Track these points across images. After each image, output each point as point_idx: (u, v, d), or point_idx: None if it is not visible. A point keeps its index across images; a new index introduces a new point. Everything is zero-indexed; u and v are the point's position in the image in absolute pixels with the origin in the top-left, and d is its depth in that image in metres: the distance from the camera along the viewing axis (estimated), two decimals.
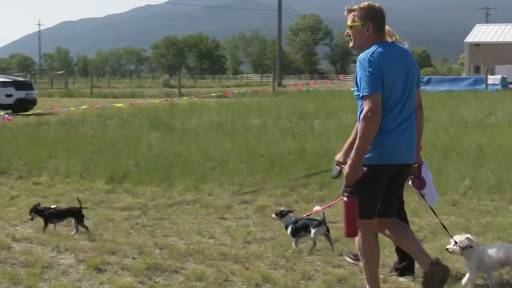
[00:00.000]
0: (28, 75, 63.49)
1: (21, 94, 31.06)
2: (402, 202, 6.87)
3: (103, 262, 7.52)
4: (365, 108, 5.65)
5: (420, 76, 5.75)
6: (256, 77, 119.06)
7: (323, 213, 8.03)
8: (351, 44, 6.06)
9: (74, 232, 8.86)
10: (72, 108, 26.75)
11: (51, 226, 9.04)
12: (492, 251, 6.62)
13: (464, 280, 6.69)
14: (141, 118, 24.10)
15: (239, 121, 22.85)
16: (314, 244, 8.08)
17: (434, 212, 6.89)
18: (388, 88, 5.74)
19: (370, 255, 6.04)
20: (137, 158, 14.68)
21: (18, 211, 10.22)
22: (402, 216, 6.84)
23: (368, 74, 5.66)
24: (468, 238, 6.70)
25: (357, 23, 5.90)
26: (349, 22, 5.95)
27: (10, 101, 30.60)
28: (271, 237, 8.81)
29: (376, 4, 5.92)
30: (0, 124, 21.12)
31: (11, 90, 30.93)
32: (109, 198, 11.19)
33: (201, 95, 36.43)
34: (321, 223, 7.99)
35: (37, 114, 25.90)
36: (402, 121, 5.84)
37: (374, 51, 5.75)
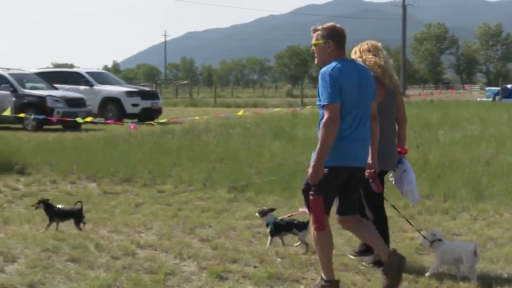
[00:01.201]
0: (154, 84, 64.91)
1: (147, 103, 31.74)
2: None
3: (225, 270, 7.56)
4: (326, 116, 6.42)
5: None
6: None
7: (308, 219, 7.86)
8: (316, 60, 6.82)
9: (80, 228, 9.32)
10: (196, 117, 27.16)
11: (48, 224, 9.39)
12: (452, 247, 7.35)
13: (429, 271, 7.38)
14: (263, 128, 24.24)
15: None
16: (306, 245, 8.38)
17: (396, 209, 8.06)
18: (345, 100, 6.47)
19: (325, 245, 6.73)
20: (259, 167, 14.74)
21: (142, 218, 10.42)
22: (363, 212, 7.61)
23: (328, 86, 6.42)
24: (433, 232, 7.44)
25: (320, 41, 6.71)
26: (313, 41, 6.76)
27: (136, 110, 31.31)
28: (393, 248, 8.67)
29: (338, 25, 6.74)
30: (126, 133, 21.62)
31: (137, 99, 31.66)
32: (231, 206, 11.28)
33: None
34: (306, 224, 8.33)
35: (162, 123, 26.43)
36: (355, 128, 6.58)
37: (335, 66, 6.51)
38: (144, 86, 54.98)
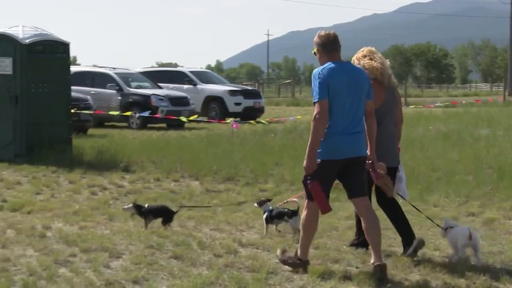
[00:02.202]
0: (256, 84, 65.20)
1: (249, 102, 31.92)
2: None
3: (326, 270, 7.51)
4: (315, 111, 7.17)
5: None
6: (485, 87, 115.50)
7: (298, 207, 9.02)
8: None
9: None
10: (298, 117, 27.14)
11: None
12: (462, 231, 7.88)
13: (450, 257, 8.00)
14: None
15: (466, 131, 22.21)
16: (298, 231, 8.62)
17: (415, 207, 8.40)
18: (334, 97, 7.17)
19: (309, 228, 7.55)
20: None
21: (244, 216, 10.46)
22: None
23: (317, 84, 7.20)
24: (445, 221, 8.18)
25: (315, 49, 7.57)
26: (313, 50, 7.60)
27: (238, 109, 31.52)
28: (499, 251, 8.48)
29: (323, 32, 7.53)
30: (229, 132, 21.78)
31: (239, 98, 31.87)
32: (333, 206, 11.16)
33: (427, 105, 35.85)
34: (296, 212, 9.02)
35: (264, 122, 26.53)
36: (347, 124, 7.26)
37: (325, 67, 7.31)
38: (246, 85, 55.25)
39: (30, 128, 15.97)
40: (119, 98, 27.84)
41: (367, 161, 7.65)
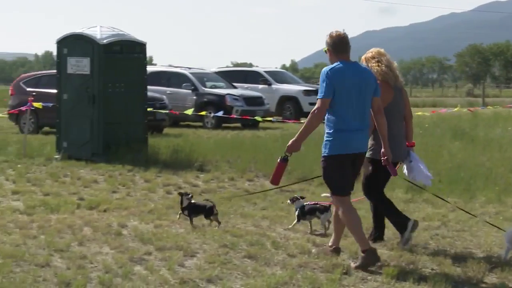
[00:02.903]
0: None
1: None
2: None
3: (401, 271, 7.44)
4: (316, 106, 7.69)
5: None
6: None
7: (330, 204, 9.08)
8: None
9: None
10: None
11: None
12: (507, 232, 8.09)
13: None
14: (442, 128, 23.69)
15: None
16: (324, 227, 9.37)
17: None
18: (340, 95, 7.59)
19: (353, 222, 7.76)
20: (438, 168, 14.40)
21: None
22: None
23: (323, 83, 7.61)
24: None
25: (325, 49, 7.94)
26: (324, 48, 7.96)
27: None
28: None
29: (334, 33, 7.87)
30: None
31: (314, 98, 31.44)
32: (408, 207, 11.08)
33: (506, 105, 35.15)
34: (328, 208, 9.26)
35: None
36: (353, 121, 7.64)
37: (333, 67, 7.71)
38: None
39: (107, 127, 16.18)
40: (194, 97, 28.05)
41: (383, 158, 8.22)
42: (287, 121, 26.97)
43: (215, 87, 29.16)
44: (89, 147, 16.20)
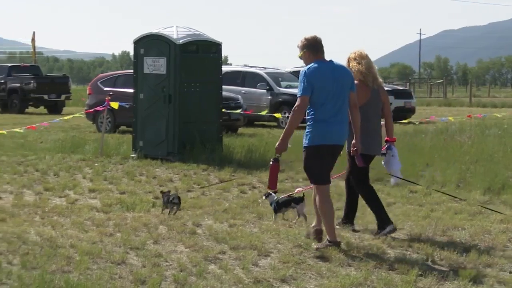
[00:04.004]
0: (407, 84, 64.35)
1: (400, 102, 31.49)
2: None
3: (478, 274, 7.32)
4: (296, 104, 8.28)
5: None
6: None
7: (303, 193, 9.87)
8: (304, 64, 8.54)
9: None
10: (450, 118, 26.56)
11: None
12: None
13: None
14: None
15: None
16: (304, 216, 9.73)
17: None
18: (319, 92, 8.21)
19: (327, 211, 8.34)
20: None
21: (394, 218, 10.22)
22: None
23: (302, 82, 8.25)
24: None
25: (301, 53, 8.54)
26: (298, 54, 8.60)
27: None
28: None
29: (311, 36, 8.54)
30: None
31: (390, 98, 31.34)
32: (485, 210, 10.88)
33: None
34: (302, 198, 9.75)
35: (414, 123, 26.08)
36: (332, 114, 8.25)
37: (310, 67, 8.33)
38: (397, 85, 54.66)
39: (182, 126, 16.29)
40: (269, 97, 28.07)
41: (352, 149, 8.84)
42: None
43: (290, 86, 29.08)
44: (164, 146, 16.35)
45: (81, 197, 11.78)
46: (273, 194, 9.94)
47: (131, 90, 17.48)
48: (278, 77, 29.84)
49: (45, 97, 36.96)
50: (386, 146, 9.56)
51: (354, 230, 9.42)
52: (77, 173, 14.20)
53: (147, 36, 16.92)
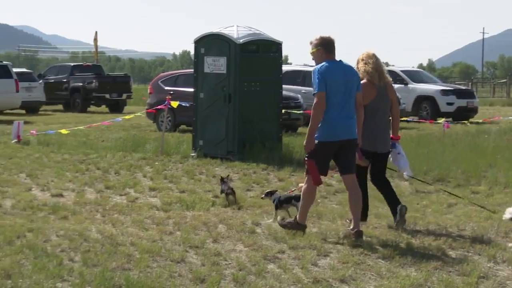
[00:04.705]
0: (470, 83, 63.56)
1: (462, 102, 31.14)
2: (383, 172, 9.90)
3: None
4: (315, 101, 8.69)
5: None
6: None
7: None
8: (315, 63, 9.00)
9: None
10: None
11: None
12: None
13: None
14: None
15: None
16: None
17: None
18: (331, 90, 8.69)
19: (307, 197, 9.05)
20: None
21: (455, 219, 10.19)
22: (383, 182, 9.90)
23: (317, 79, 8.68)
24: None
25: (314, 50, 8.97)
26: (310, 50, 9.03)
27: (451, 109, 30.82)
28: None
29: (327, 36, 9.02)
30: (440, 132, 21.34)
31: (452, 98, 31.13)
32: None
33: None
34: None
35: (477, 123, 25.74)
36: (339, 112, 8.76)
37: (323, 65, 8.81)
38: (459, 84, 54.02)
39: (242, 126, 16.31)
40: None
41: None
42: (423, 121, 26.51)
43: None
44: (224, 145, 16.39)
45: (141, 195, 11.88)
46: (275, 192, 10.29)
47: (192, 90, 17.57)
48: None
49: (107, 96, 37.35)
50: (391, 144, 9.83)
51: (416, 231, 9.32)
52: (138, 172, 14.33)
53: (208, 35, 16.98)
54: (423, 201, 11.59)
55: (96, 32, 49.37)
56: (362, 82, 9.24)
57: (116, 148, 17.72)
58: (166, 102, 18.00)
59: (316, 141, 8.82)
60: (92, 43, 50.97)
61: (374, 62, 9.60)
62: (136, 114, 22.61)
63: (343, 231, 9.06)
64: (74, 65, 40.94)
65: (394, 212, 9.59)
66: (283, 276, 7.30)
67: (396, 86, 31.22)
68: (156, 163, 15.41)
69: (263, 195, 10.50)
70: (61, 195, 11.74)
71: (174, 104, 18.13)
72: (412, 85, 31.74)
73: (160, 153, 16.66)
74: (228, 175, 12.05)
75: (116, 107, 37.93)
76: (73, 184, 12.80)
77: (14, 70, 32.51)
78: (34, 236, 8.72)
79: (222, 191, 11.26)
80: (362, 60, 9.64)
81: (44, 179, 13.16)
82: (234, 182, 13.29)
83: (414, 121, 26.84)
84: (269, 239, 8.79)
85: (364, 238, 8.73)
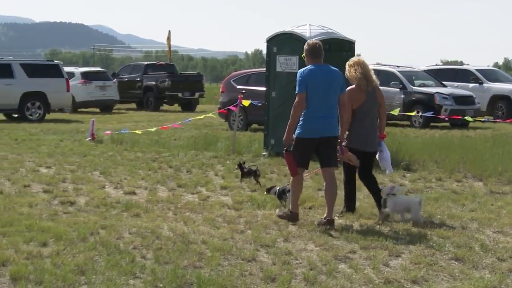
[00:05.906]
0: None
1: None
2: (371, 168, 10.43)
3: None
4: (296, 100, 9.61)
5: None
6: None
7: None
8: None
9: None
10: None
11: None
12: (400, 200, 9.80)
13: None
14: None
15: None
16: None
17: None
18: (312, 91, 9.53)
19: (295, 188, 9.77)
20: None
21: None
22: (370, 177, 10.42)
23: (299, 81, 9.59)
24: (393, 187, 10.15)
25: (303, 55, 9.87)
26: (302, 54, 9.95)
27: None
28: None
29: (311, 42, 9.94)
30: None
31: None
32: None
33: None
34: None
35: None
36: (322, 111, 9.57)
37: (306, 68, 9.69)
38: None
39: None
40: (402, 96, 27.66)
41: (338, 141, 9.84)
42: (498, 121, 26.06)
43: (424, 85, 28.61)
44: None
45: (213, 194, 11.94)
46: (274, 187, 11.04)
47: (263, 88, 17.59)
48: (411, 75, 29.36)
49: (180, 95, 37.66)
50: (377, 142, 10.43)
51: (490, 232, 9.17)
52: (209, 170, 14.41)
53: (280, 34, 16.97)
54: (498, 202, 11.40)
55: (169, 31, 49.84)
56: (351, 87, 10.03)
57: (188, 146, 17.87)
58: (238, 100, 18.06)
59: (296, 137, 9.63)
60: (165, 42, 51.45)
61: (361, 68, 10.18)
62: (206, 115, 22.71)
63: (317, 219, 9.63)
64: (147, 64, 41.40)
65: (379, 206, 10.11)
66: (354, 276, 7.26)
67: (471, 85, 30.87)
68: (228, 161, 15.47)
69: (265, 192, 11.22)
70: (134, 193, 11.88)
71: (246, 103, 18.17)
72: (487, 84, 31.21)
73: (231, 152, 16.73)
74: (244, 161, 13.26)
75: (189, 106, 38.23)
76: (146, 182, 12.94)
77: (89, 69, 32.98)
78: (107, 233, 8.84)
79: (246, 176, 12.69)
80: (352, 66, 10.24)
81: (117, 177, 13.34)
82: (306, 182, 13.25)
83: (489, 121, 26.41)
84: (340, 239, 8.75)
85: (335, 227, 9.35)
